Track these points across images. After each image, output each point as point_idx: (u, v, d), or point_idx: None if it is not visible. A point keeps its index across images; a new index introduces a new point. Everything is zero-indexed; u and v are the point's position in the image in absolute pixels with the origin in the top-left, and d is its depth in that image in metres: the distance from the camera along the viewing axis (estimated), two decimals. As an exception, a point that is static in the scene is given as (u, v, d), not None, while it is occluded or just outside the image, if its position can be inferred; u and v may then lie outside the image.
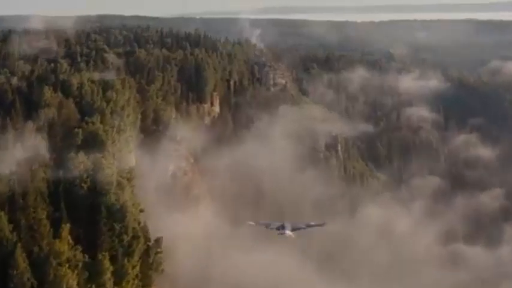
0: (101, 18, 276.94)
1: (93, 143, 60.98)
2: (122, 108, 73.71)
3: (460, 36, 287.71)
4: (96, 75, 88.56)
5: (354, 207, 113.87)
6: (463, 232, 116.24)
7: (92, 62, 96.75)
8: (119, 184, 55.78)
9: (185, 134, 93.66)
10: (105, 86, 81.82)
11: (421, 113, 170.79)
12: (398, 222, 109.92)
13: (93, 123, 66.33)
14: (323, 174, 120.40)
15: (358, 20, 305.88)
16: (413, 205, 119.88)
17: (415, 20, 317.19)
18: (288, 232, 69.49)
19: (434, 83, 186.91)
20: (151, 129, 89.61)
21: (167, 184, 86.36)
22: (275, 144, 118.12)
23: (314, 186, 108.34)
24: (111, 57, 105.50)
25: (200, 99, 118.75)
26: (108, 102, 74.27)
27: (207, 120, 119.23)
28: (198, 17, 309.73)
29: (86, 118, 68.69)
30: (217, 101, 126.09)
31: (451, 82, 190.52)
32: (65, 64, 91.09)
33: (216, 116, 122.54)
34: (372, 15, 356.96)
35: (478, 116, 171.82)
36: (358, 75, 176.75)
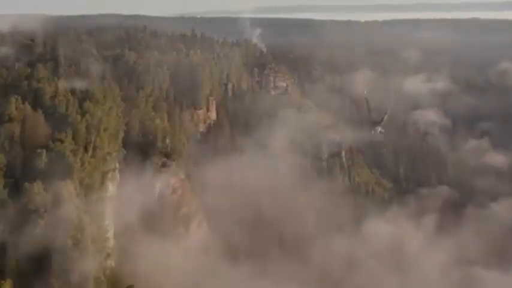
0: (100, 17, 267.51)
1: (58, 167, 50.68)
2: (100, 121, 63.20)
3: (465, 35, 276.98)
4: (78, 82, 78.39)
5: (359, 223, 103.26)
6: (476, 249, 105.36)
7: (73, 66, 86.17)
8: (80, 223, 45.47)
9: (176, 146, 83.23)
10: (84, 95, 71.63)
11: (429, 116, 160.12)
12: (406, 240, 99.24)
13: (61, 141, 55.97)
14: (326, 186, 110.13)
15: (362, 20, 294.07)
16: (422, 219, 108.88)
17: (419, 20, 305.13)
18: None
19: (441, 84, 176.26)
20: (137, 142, 79.28)
21: (153, 205, 76.23)
22: (275, 154, 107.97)
23: (316, 200, 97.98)
24: (96, 61, 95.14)
25: (195, 105, 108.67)
26: (84, 114, 63.88)
27: (202, 127, 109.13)
28: (198, 16, 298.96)
29: (56, 134, 58.37)
30: (214, 106, 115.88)
31: (459, 84, 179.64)
32: (42, 69, 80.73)
33: (212, 123, 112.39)
34: (375, 14, 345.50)
35: (487, 120, 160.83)
36: (362, 77, 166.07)
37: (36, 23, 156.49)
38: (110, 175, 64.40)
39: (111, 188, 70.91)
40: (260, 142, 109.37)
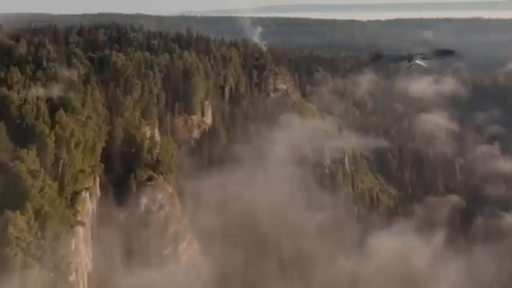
0: (99, 16, 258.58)
1: (9, 194, 41.66)
2: (71, 134, 54.09)
3: (468, 35, 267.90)
4: (55, 88, 69.40)
5: (363, 236, 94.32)
6: (489, 266, 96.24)
7: (53, 69, 77.06)
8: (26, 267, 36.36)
9: (164, 157, 74.12)
10: (57, 103, 62.60)
11: (435, 120, 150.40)
12: (413, 258, 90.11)
13: (21, 159, 46.86)
14: (328, 196, 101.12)
15: (364, 19, 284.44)
16: (430, 233, 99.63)
17: (421, 19, 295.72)
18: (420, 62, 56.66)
19: (447, 86, 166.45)
20: (120, 153, 70.29)
21: (137, 223, 67.39)
22: (274, 161, 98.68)
23: (318, 214, 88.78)
24: (81, 63, 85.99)
25: (188, 110, 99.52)
26: (53, 126, 54.81)
27: (196, 134, 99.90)
28: (199, 15, 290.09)
29: (18, 151, 49.30)
30: (209, 111, 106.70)
31: (465, 85, 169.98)
32: (17, 73, 71.71)
33: (207, 128, 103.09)
34: (378, 13, 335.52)
35: (496, 123, 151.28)
36: (365, 79, 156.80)
37: (25, 22, 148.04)
38: (83, 195, 55.24)
39: (89, 206, 62.24)
40: (258, 148, 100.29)
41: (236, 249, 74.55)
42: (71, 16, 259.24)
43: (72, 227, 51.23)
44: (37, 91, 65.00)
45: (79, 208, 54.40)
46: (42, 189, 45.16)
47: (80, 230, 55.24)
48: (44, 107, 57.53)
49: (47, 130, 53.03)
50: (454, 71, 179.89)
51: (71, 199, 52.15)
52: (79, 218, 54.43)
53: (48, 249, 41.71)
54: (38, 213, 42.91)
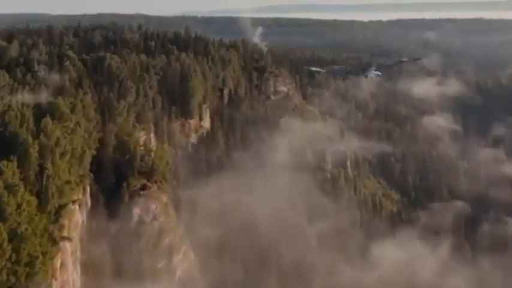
0: (98, 17, 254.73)
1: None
2: (57, 142, 50.14)
3: (471, 35, 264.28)
4: (43, 93, 65.53)
5: (366, 245, 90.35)
6: (495, 273, 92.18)
7: (42, 72, 73.16)
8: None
9: (159, 164, 70.10)
10: (45, 108, 58.70)
11: (438, 122, 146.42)
12: (418, 266, 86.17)
13: (0, 172, 42.94)
14: (330, 202, 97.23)
15: (366, 19, 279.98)
16: (434, 240, 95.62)
17: (423, 19, 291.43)
18: (375, 73, 50.52)
19: (450, 87, 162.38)
20: (112, 161, 66.33)
21: (129, 235, 63.47)
22: (275, 167, 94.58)
23: (320, 222, 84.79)
24: (73, 66, 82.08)
25: (185, 114, 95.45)
26: (38, 134, 50.87)
27: (194, 138, 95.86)
28: (200, 15, 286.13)
29: (-3, 163, 45.33)
30: (208, 114, 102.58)
31: (469, 87, 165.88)
32: (4, 77, 67.89)
33: (205, 133, 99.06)
34: (379, 14, 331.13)
35: (501, 126, 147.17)
36: (368, 80, 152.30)
37: (24, 23, 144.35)
38: (70, 208, 51.30)
39: (78, 217, 58.39)
40: (258, 153, 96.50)
41: (234, 260, 70.67)
42: (70, 16, 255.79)
43: (56, 243, 47.23)
44: (23, 96, 60.97)
45: (65, 222, 50.36)
46: (19, 206, 41.17)
47: (67, 245, 51.27)
48: (28, 114, 53.49)
49: (30, 139, 48.99)
50: (457, 72, 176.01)
51: (56, 213, 48.12)
52: (65, 233, 50.43)
53: (23, 275, 37.79)
54: (13, 233, 39.00)
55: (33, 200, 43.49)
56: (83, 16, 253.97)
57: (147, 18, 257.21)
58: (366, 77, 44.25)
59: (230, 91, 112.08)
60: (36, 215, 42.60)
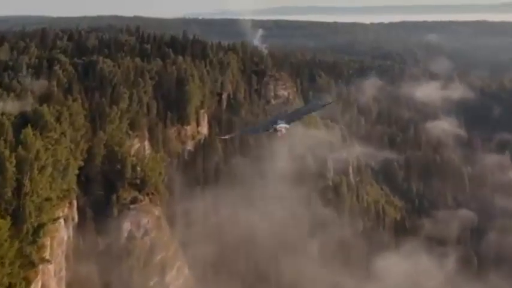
0: (98, 19, 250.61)
1: None
2: (37, 156, 45.81)
3: (473, 37, 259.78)
4: (28, 100, 61.30)
5: (369, 257, 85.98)
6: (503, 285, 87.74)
7: (30, 77, 68.93)
8: None
9: (151, 176, 65.84)
10: (30, 117, 54.47)
11: (442, 127, 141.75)
12: (425, 279, 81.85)
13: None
14: (332, 209, 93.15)
15: (367, 21, 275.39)
16: (439, 251, 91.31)
17: (425, 21, 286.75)
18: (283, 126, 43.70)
19: (454, 91, 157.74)
20: (101, 172, 62.07)
21: (120, 250, 59.20)
22: (275, 174, 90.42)
23: (321, 229, 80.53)
24: (64, 70, 77.82)
25: (182, 120, 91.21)
26: (16, 147, 46.55)
27: (190, 145, 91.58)
28: (200, 17, 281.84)
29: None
30: (205, 120, 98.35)
31: (473, 90, 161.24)
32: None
33: (203, 139, 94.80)
34: (381, 16, 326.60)
35: (506, 130, 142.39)
36: (370, 84, 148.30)
37: (20, 25, 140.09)
38: (51, 226, 46.95)
39: (63, 234, 54.14)
40: (257, 160, 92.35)
41: (232, 277, 66.31)
42: (70, 19, 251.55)
43: (35, 266, 42.90)
44: (6, 104, 56.72)
45: (46, 241, 46.04)
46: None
47: (48, 266, 46.92)
48: (8, 124, 49.11)
49: (7, 152, 44.68)
50: (461, 76, 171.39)
51: (33, 233, 43.85)
52: (46, 253, 46.13)
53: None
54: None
55: (5, 223, 39.24)
56: (83, 18, 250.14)
57: (147, 20, 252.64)
58: (275, 130, 39.16)
59: (229, 95, 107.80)
60: (6, 240, 38.36)
